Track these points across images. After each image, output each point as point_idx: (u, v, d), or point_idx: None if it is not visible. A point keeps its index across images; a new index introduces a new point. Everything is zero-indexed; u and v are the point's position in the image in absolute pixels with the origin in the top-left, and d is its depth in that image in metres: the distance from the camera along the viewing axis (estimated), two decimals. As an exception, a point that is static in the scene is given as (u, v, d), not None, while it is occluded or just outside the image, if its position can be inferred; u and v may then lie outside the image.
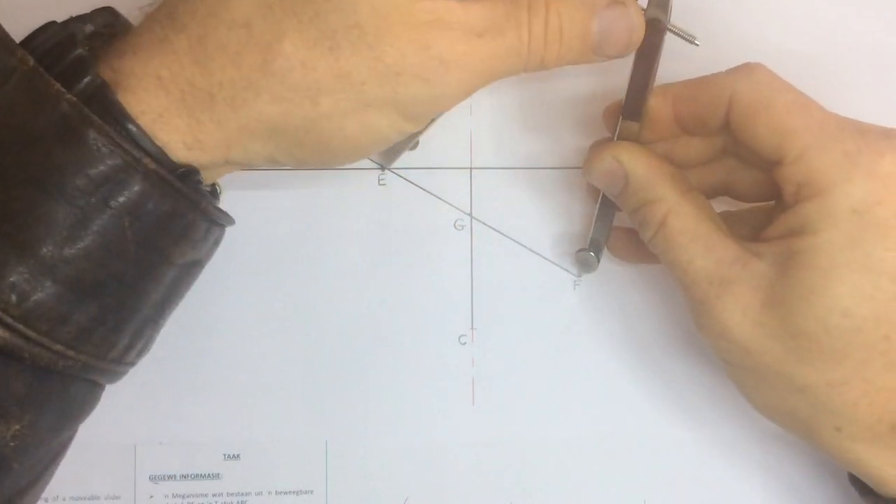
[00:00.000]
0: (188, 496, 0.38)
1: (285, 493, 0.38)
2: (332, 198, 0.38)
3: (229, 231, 0.31)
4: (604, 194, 0.35)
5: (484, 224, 0.38)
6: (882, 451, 0.31)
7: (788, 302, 0.30)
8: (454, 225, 0.38)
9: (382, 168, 0.38)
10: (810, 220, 0.30)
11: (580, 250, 0.37)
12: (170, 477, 0.38)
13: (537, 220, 0.38)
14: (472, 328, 0.38)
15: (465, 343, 0.38)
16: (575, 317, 0.38)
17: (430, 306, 0.38)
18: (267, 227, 0.38)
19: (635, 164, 0.33)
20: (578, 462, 0.38)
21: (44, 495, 0.37)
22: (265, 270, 0.38)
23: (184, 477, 0.38)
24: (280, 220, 0.38)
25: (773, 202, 0.34)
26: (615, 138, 0.34)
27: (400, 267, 0.38)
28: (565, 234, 0.38)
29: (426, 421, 0.38)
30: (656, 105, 0.33)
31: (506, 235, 0.38)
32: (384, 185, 0.38)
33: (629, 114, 0.33)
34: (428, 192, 0.38)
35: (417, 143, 0.37)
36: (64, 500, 0.37)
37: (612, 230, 0.37)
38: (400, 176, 0.38)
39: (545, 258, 0.38)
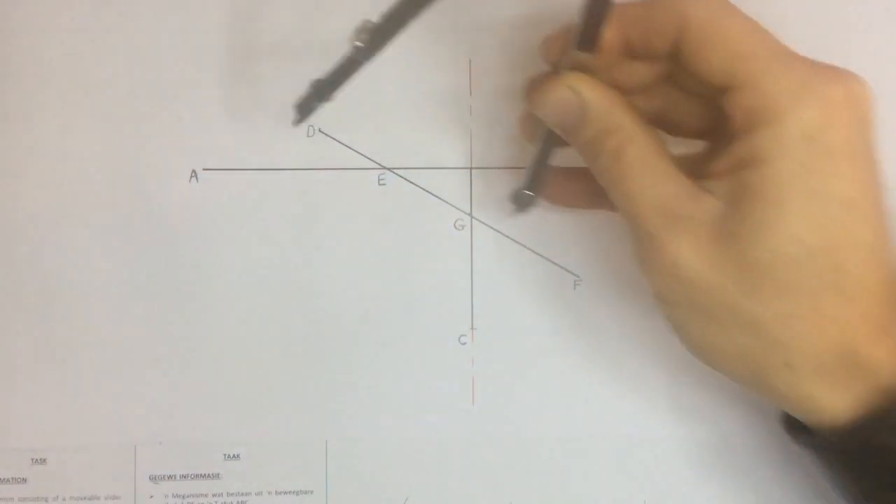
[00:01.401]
0: (188, 496, 0.38)
1: (285, 493, 0.38)
2: (332, 198, 0.38)
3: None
4: (548, 131, 0.34)
5: (484, 224, 0.38)
6: (832, 384, 0.30)
7: (740, 234, 0.29)
8: (454, 225, 0.38)
9: (382, 168, 0.38)
10: (762, 149, 0.29)
11: (517, 190, 0.36)
12: (170, 477, 0.38)
13: (537, 219, 0.38)
14: (472, 328, 0.38)
15: (465, 343, 0.38)
16: (575, 317, 0.38)
17: (430, 306, 0.38)
18: (266, 227, 0.38)
19: (593, 93, 0.31)
20: (578, 462, 0.38)
21: (44, 495, 0.37)
22: (264, 270, 0.38)
23: (184, 477, 0.38)
24: (279, 219, 0.38)
25: (707, 151, 0.33)
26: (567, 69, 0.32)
27: (400, 267, 0.38)
28: (566, 234, 0.38)
29: (426, 420, 0.38)
30: (608, 30, 0.31)
31: (506, 235, 0.38)
32: (384, 185, 0.38)
33: (584, 44, 0.31)
34: (428, 192, 0.38)
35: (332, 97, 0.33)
36: (64, 500, 0.37)
37: (550, 171, 0.36)
38: (400, 176, 0.38)
39: (545, 258, 0.38)
